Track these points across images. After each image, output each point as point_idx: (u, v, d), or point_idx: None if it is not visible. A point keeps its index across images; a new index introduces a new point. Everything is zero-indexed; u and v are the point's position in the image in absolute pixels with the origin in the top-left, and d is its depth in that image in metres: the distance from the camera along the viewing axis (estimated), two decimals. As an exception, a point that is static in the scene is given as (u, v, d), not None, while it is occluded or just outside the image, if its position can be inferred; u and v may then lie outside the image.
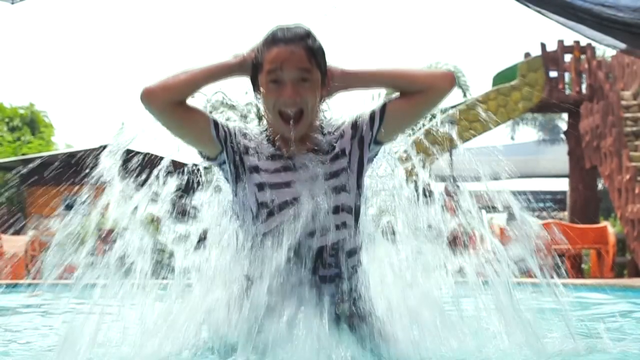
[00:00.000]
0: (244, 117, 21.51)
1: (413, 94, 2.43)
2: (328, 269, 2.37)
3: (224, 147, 2.46)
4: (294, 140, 2.38)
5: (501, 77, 18.15)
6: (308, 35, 2.38)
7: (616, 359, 2.64)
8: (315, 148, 2.46)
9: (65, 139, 30.21)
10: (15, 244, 12.57)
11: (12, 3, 5.37)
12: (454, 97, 25.79)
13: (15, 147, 23.06)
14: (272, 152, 2.44)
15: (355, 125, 2.52)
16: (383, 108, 2.49)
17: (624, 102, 15.39)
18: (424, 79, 2.45)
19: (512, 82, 17.42)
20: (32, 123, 24.60)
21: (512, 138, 28.52)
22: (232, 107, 21.03)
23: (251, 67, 2.43)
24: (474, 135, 17.47)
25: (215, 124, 2.50)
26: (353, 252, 2.44)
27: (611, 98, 15.28)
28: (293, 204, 2.36)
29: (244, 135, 2.50)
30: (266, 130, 2.51)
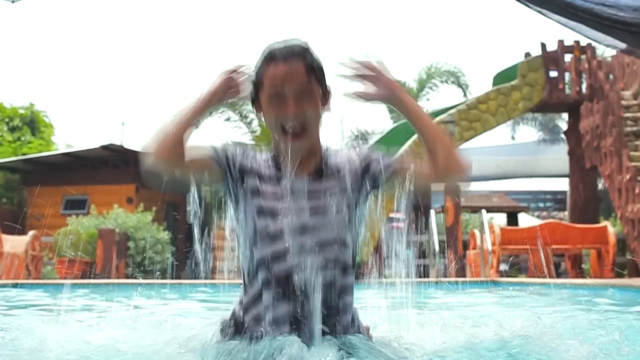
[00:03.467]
0: (244, 117, 21.53)
1: (433, 161, 2.39)
2: (313, 305, 2.29)
3: (225, 171, 2.44)
4: (296, 159, 2.36)
5: (501, 77, 18.15)
6: (306, 50, 2.37)
7: (616, 358, 2.64)
8: (317, 171, 2.44)
9: (65, 139, 30.21)
10: (15, 243, 12.57)
11: (13, 2, 5.37)
12: (454, 97, 25.72)
13: (15, 147, 23.07)
14: (274, 174, 2.42)
15: (365, 161, 2.49)
16: (399, 160, 2.47)
17: (624, 102, 15.39)
18: (453, 156, 2.39)
19: (513, 82, 17.43)
20: (32, 123, 24.60)
21: (513, 138, 28.50)
22: (231, 106, 21.09)
23: (252, 86, 2.42)
24: (475, 135, 17.49)
25: (216, 152, 2.45)
26: (344, 291, 2.38)
27: (611, 98, 15.28)
28: (287, 233, 2.33)
29: (248, 156, 2.48)
30: (272, 151, 2.49)
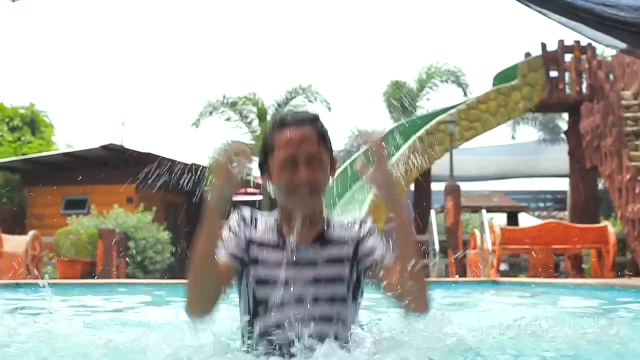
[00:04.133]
0: (245, 117, 21.54)
1: (402, 280, 2.30)
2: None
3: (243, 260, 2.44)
4: (302, 223, 2.38)
5: (502, 77, 18.16)
6: (317, 119, 2.43)
7: (615, 358, 2.64)
8: (319, 239, 2.44)
9: (65, 139, 30.18)
10: (16, 243, 12.57)
11: (13, 1, 5.37)
12: (454, 97, 25.72)
13: (15, 147, 23.07)
14: (276, 242, 2.43)
15: (361, 241, 2.47)
16: (381, 260, 2.41)
17: (624, 102, 15.39)
18: (416, 290, 2.29)
19: (513, 82, 17.44)
20: (33, 123, 24.60)
21: (513, 138, 28.47)
22: (232, 106, 21.10)
23: (262, 151, 2.44)
24: (475, 135, 17.50)
25: (231, 257, 2.41)
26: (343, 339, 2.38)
27: (612, 98, 15.28)
28: (287, 305, 2.36)
29: (249, 225, 2.48)
30: (276, 218, 2.49)
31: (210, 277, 2.28)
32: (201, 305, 2.30)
